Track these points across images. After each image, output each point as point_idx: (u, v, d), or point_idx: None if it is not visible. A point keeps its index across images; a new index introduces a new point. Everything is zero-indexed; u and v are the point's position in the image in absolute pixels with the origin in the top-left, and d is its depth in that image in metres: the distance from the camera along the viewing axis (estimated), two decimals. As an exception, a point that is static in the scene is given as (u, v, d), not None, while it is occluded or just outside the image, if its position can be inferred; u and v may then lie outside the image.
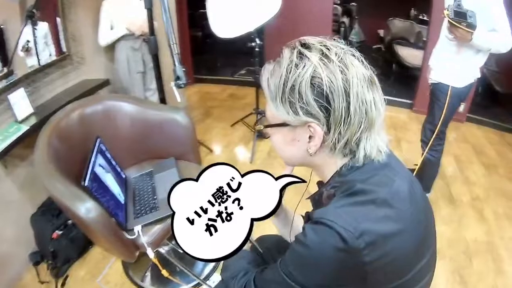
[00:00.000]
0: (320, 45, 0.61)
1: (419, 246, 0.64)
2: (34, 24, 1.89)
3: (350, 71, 0.58)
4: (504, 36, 1.72)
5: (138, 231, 1.26)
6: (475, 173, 2.70)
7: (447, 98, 1.96)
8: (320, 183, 0.81)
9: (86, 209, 1.08)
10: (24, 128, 1.71)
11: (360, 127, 0.61)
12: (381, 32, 5.26)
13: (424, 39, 3.80)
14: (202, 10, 5.40)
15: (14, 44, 1.77)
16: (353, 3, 5.78)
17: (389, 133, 0.68)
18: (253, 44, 2.77)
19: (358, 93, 0.58)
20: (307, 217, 0.67)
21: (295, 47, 0.62)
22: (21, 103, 1.77)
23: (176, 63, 1.48)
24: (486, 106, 3.39)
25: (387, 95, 0.83)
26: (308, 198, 0.81)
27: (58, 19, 2.12)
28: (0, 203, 1.70)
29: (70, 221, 1.87)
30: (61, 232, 1.81)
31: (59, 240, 1.79)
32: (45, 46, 2.02)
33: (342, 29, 5.53)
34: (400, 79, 4.31)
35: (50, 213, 1.85)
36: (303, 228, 0.63)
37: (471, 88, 2.00)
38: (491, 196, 2.45)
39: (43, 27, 1.99)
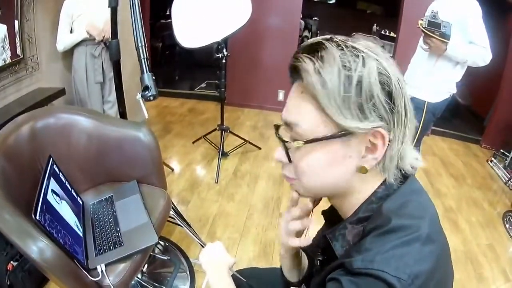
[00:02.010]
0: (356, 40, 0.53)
1: (451, 269, 0.59)
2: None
3: (393, 68, 0.52)
4: (482, 48, 1.71)
5: (102, 270, 1.04)
6: (446, 185, 2.74)
7: (423, 114, 1.92)
8: (329, 214, 0.67)
9: (39, 249, 0.87)
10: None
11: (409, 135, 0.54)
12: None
13: (389, 54, 3.89)
14: (163, 21, 5.22)
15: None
16: (315, 18, 5.88)
17: None
18: (220, 55, 2.55)
19: (406, 92, 0.52)
20: (334, 264, 0.54)
21: (339, 41, 0.50)
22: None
23: (145, 70, 1.25)
24: (448, 118, 3.50)
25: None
26: (325, 234, 0.61)
27: (16, 22, 1.89)
28: None
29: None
30: (16, 262, 1.54)
31: (15, 273, 1.52)
32: (2, 51, 1.79)
33: (305, 43, 5.56)
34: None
35: (3, 240, 1.54)
36: (334, 279, 0.49)
37: (446, 103, 1.97)
38: (463, 206, 2.48)
39: (1, 29, 1.77)
